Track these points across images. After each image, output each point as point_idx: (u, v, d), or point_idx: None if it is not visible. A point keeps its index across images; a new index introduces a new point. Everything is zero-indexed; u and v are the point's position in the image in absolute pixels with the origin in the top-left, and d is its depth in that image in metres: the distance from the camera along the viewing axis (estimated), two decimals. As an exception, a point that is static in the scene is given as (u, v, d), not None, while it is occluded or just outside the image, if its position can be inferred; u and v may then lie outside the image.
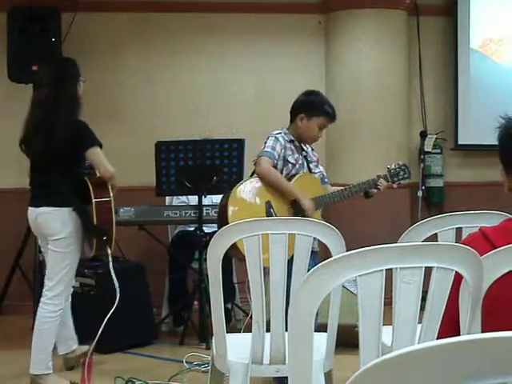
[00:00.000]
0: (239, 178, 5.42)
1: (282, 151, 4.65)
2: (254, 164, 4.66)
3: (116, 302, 4.50)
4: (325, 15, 7.16)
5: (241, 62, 7.14)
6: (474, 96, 7.38)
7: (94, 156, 4.56)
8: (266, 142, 4.66)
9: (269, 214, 4.50)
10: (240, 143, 5.66)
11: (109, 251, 4.57)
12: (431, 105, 7.43)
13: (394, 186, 4.93)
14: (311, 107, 4.68)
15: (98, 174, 4.72)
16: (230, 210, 4.43)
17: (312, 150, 4.97)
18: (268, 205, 4.54)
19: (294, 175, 4.69)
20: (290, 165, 4.69)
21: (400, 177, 4.93)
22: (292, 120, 4.76)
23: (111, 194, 4.62)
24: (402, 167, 4.94)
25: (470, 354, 1.04)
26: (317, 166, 4.93)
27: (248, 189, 4.60)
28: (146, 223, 5.77)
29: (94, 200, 4.54)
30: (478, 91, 7.39)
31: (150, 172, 5.75)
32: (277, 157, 4.62)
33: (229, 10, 7.06)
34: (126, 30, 6.97)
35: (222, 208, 4.52)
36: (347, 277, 2.02)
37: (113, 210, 4.63)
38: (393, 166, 4.93)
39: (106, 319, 4.47)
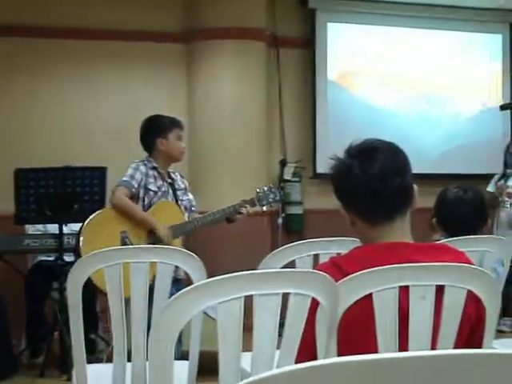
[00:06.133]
0: (101, 207, 5.37)
1: (143, 179, 4.67)
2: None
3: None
4: (188, 45, 7.22)
5: (108, 89, 7.10)
6: (331, 126, 7.61)
7: None
8: (126, 171, 4.69)
9: (123, 244, 4.48)
10: (102, 171, 5.61)
11: None
12: (291, 134, 7.59)
13: (264, 208, 5.02)
14: (161, 128, 4.86)
15: None
16: (83, 240, 4.41)
17: (182, 177, 5.02)
18: (123, 235, 4.53)
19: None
20: (151, 192, 4.71)
21: (270, 199, 5.01)
22: (150, 149, 4.82)
23: None
24: (273, 189, 5.04)
25: (324, 378, 1.06)
26: (185, 194, 4.96)
27: (102, 219, 4.59)
28: (4, 252, 5.62)
29: None
30: (335, 122, 7.63)
31: (8, 200, 5.61)
32: (136, 185, 4.63)
33: (98, 38, 7.01)
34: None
35: (76, 238, 4.51)
36: (207, 304, 2.04)
37: None
38: (262, 189, 5.01)
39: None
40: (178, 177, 4.98)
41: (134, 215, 4.57)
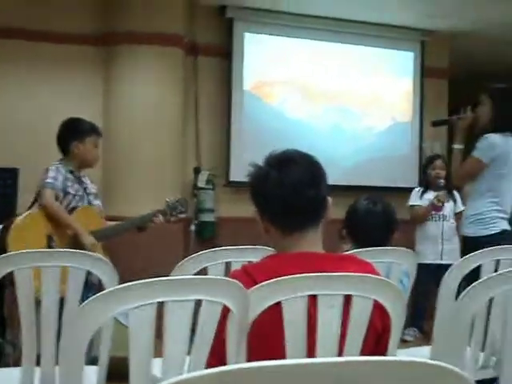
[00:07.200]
0: (12, 209, 5.30)
1: (63, 182, 4.63)
2: (37, 195, 4.58)
3: None
4: (105, 49, 7.16)
5: (22, 90, 6.97)
6: (246, 135, 7.66)
7: None
8: (46, 173, 4.61)
9: (49, 248, 4.43)
10: (14, 172, 5.54)
11: None
12: (206, 142, 7.61)
13: (172, 219, 5.03)
14: (80, 132, 4.80)
15: None
16: (11, 245, 4.31)
17: (91, 182, 4.98)
18: (50, 239, 4.47)
19: (75, 207, 4.67)
20: (70, 196, 4.66)
21: (178, 211, 5.04)
22: (65, 151, 4.77)
23: None
24: (181, 201, 5.06)
25: (233, 383, 1.10)
26: (95, 199, 4.93)
27: (30, 222, 4.50)
28: None
29: None
30: (250, 131, 7.68)
31: None
32: (60, 187, 4.58)
33: (12, 37, 6.88)
34: None
35: (1, 242, 4.39)
36: (118, 310, 2.05)
37: None
38: (171, 200, 5.03)
39: None
40: (88, 181, 4.95)
41: (62, 219, 4.51)
